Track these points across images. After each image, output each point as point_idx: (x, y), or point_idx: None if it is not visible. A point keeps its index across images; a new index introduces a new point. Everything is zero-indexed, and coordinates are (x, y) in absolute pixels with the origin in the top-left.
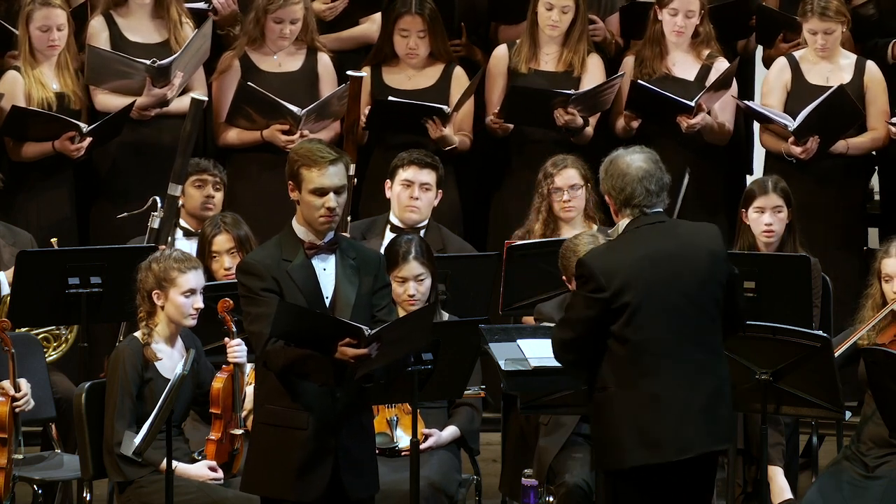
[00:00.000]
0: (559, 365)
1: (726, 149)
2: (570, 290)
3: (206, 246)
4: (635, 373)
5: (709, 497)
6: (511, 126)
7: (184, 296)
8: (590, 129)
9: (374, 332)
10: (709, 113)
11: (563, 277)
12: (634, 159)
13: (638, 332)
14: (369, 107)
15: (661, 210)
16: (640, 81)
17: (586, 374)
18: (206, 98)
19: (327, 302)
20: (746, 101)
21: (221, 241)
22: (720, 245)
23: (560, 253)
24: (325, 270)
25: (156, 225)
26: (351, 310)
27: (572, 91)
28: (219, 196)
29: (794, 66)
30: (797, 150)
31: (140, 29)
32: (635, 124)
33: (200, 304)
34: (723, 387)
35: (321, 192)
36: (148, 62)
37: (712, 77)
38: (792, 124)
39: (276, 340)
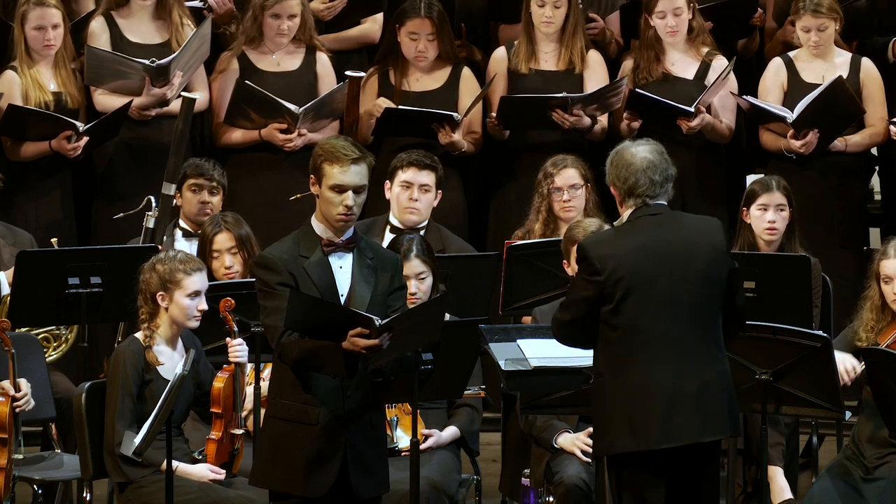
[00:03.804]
0: (559, 365)
1: (726, 148)
2: (569, 277)
3: (207, 245)
4: (624, 360)
5: (713, 490)
6: (507, 132)
7: (189, 297)
8: (598, 127)
9: (385, 322)
10: (709, 110)
11: (564, 262)
12: (640, 150)
13: (628, 320)
14: (382, 108)
15: (664, 202)
16: (637, 90)
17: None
18: (197, 97)
19: (342, 300)
20: (746, 97)
21: (222, 240)
22: (721, 239)
23: (566, 231)
24: (342, 268)
25: (151, 224)
26: (366, 309)
27: (564, 94)
28: (216, 200)
29: (790, 66)
30: (796, 143)
31: (141, 30)
32: (636, 125)
33: (204, 306)
34: (720, 379)
35: (340, 189)
36: (146, 62)
37: (711, 76)
38: (790, 116)
39: (290, 333)
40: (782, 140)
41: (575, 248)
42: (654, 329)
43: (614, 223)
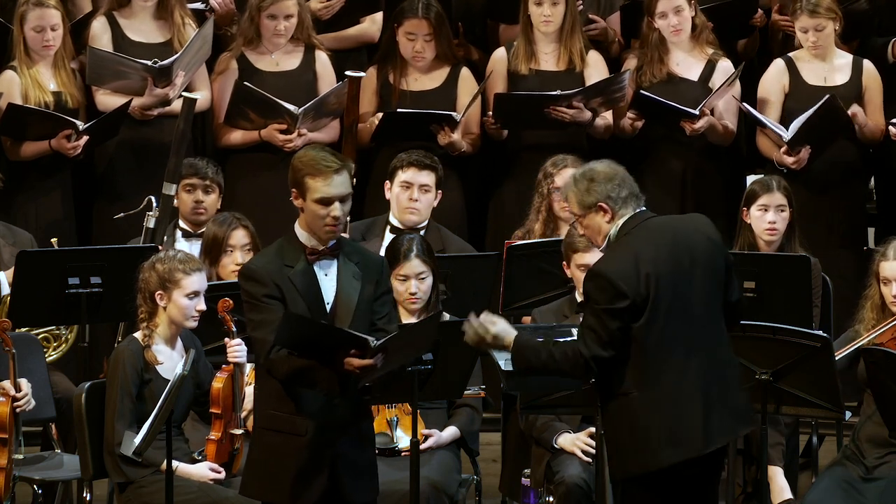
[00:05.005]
0: None
1: (726, 149)
2: (569, 278)
3: (222, 240)
4: (655, 372)
5: (716, 488)
6: (505, 131)
7: (187, 297)
8: (602, 123)
9: (379, 343)
10: (712, 112)
11: (563, 262)
12: (609, 163)
13: (655, 332)
14: (378, 120)
15: (645, 208)
16: (642, 91)
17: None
18: (198, 97)
19: (328, 308)
20: (746, 105)
21: (240, 236)
22: (715, 231)
23: (566, 234)
24: (327, 276)
25: (151, 224)
26: (352, 316)
27: (559, 91)
28: (210, 199)
29: (792, 67)
30: (789, 160)
31: (142, 29)
32: (639, 125)
33: (203, 307)
34: (734, 373)
35: (327, 201)
36: (149, 63)
37: (717, 78)
38: (786, 134)
39: (279, 348)
40: (775, 152)
41: (585, 275)
42: (677, 336)
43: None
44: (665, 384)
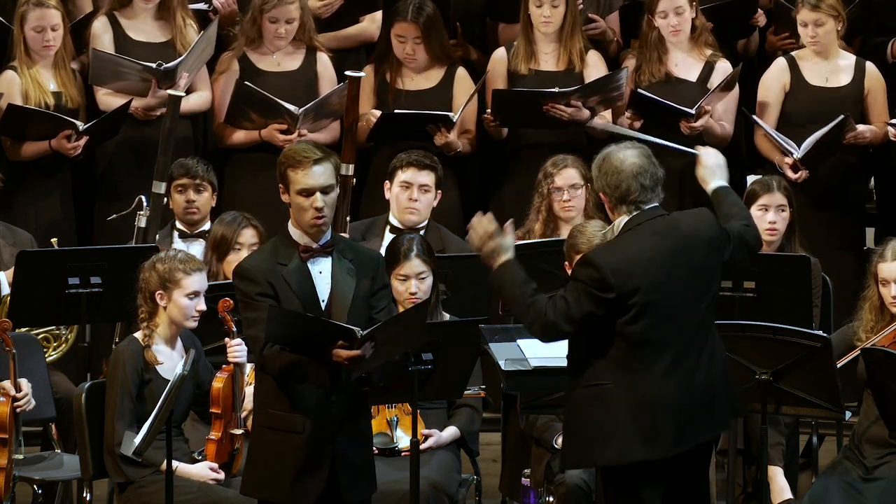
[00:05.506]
0: (559, 365)
1: (726, 149)
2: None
3: (232, 238)
4: (637, 370)
5: (705, 483)
6: (505, 130)
7: (188, 297)
8: (600, 120)
9: (366, 332)
10: (710, 115)
11: (566, 262)
12: (627, 155)
13: (642, 331)
14: (375, 119)
15: (657, 205)
16: (639, 90)
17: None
18: (182, 94)
19: (323, 305)
20: (756, 118)
21: (249, 235)
22: (716, 232)
23: (568, 234)
24: (321, 273)
25: (143, 224)
26: (347, 312)
27: (557, 89)
28: (203, 198)
29: (794, 67)
30: (793, 175)
31: (144, 29)
32: (638, 125)
33: (203, 307)
34: (720, 375)
35: (307, 192)
36: (153, 65)
37: (715, 79)
38: (797, 152)
39: (272, 345)
40: (776, 156)
41: (579, 257)
42: (665, 338)
43: (609, 229)
44: (645, 383)
